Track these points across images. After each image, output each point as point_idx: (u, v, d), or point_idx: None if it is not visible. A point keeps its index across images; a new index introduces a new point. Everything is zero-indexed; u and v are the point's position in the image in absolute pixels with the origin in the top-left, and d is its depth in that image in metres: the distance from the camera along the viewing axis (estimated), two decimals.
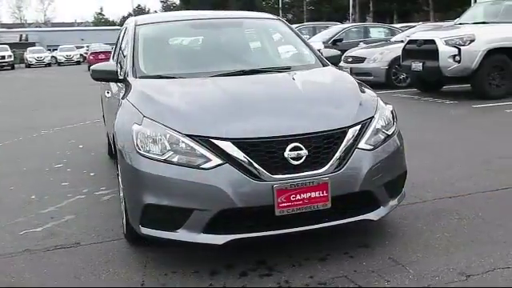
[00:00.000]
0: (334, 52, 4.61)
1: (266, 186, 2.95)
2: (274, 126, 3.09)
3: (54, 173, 5.76)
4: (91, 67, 4.20)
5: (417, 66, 10.09)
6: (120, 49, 5.05)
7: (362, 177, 3.14)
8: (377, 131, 3.29)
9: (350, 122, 3.20)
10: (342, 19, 48.48)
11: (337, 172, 3.06)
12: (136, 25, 4.51)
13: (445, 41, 9.63)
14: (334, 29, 17.41)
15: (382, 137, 3.31)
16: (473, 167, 5.11)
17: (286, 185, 2.96)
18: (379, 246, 3.37)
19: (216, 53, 4.43)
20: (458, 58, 9.40)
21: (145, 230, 3.16)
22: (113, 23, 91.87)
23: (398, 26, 20.75)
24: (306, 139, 3.05)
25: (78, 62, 43.19)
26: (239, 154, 2.95)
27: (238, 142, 2.98)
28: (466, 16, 11.28)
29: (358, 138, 3.18)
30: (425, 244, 3.38)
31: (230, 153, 2.96)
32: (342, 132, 3.14)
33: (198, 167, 2.97)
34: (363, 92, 3.63)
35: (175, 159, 3.01)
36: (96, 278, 3.14)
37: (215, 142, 2.98)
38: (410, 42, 10.49)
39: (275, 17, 4.97)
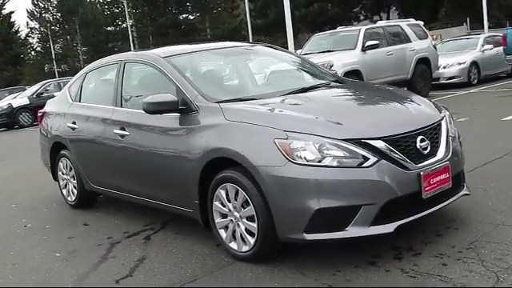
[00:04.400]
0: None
1: (414, 174, 3.40)
2: (403, 123, 3.57)
3: (36, 232, 5.11)
4: (144, 100, 4.07)
5: None
6: (121, 85, 4.83)
7: (460, 159, 3.82)
8: None
9: (440, 116, 3.85)
10: None
11: (448, 156, 3.66)
12: (163, 57, 4.47)
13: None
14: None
15: (452, 127, 4.02)
16: None
17: (428, 171, 3.46)
18: (469, 219, 4.02)
19: (264, 76, 4.67)
20: None
21: (310, 236, 3.31)
22: None
23: None
24: (425, 132, 3.60)
25: None
26: (390, 150, 3.36)
27: (387, 140, 3.38)
28: (307, 48, 12.86)
29: (447, 128, 3.84)
30: (504, 206, 4.15)
31: (383, 150, 3.34)
32: (439, 124, 3.77)
33: (359, 166, 3.28)
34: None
35: (335, 163, 3.28)
36: None
37: (369, 142, 3.34)
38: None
39: (267, 44, 5.36)
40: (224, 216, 3.79)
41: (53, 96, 20.81)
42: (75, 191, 5.69)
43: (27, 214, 5.84)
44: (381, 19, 40.15)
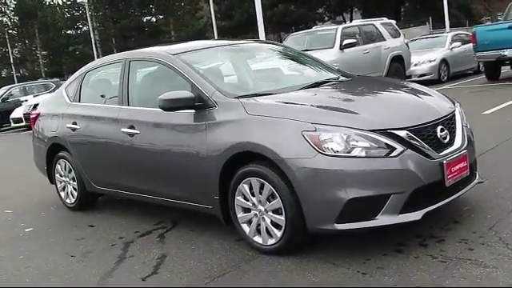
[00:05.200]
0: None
1: (437, 162, 3.50)
2: (423, 114, 3.67)
3: (40, 235, 4.99)
4: (160, 97, 4.03)
5: None
6: (127, 83, 4.77)
7: (474, 148, 3.94)
8: None
9: (453, 107, 3.97)
10: None
11: (465, 145, 3.78)
12: (173, 54, 4.47)
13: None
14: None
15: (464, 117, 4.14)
16: None
17: (450, 160, 3.56)
18: (481, 206, 4.15)
19: (273, 72, 4.70)
20: None
21: (341, 226, 3.36)
22: None
23: None
24: (443, 122, 3.71)
25: None
26: (414, 140, 3.45)
27: (411, 130, 3.47)
28: None
29: (461, 117, 3.96)
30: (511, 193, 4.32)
31: (408, 140, 3.43)
32: (454, 114, 3.89)
33: (387, 156, 3.36)
34: None
35: (363, 153, 3.34)
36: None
37: (395, 132, 3.42)
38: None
39: (269, 41, 5.41)
40: (247, 210, 3.81)
41: (18, 101, 20.53)
42: (75, 193, 5.59)
43: (25, 219, 5.69)
44: (344, 20, 40.83)
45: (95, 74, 5.49)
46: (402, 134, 3.42)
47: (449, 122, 3.77)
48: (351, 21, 36.41)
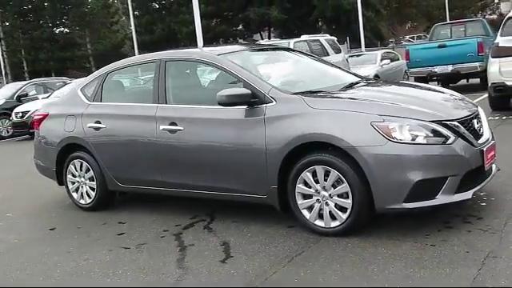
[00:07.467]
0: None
1: (479, 150, 4.07)
2: (462, 109, 4.24)
3: (71, 233, 4.96)
4: (220, 94, 4.29)
5: None
6: (164, 82, 4.92)
7: (495, 140, 4.56)
8: None
9: (476, 105, 4.58)
10: None
11: (491, 137, 4.39)
12: (218, 55, 4.73)
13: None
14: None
15: None
16: None
17: (487, 148, 4.15)
18: (495, 192, 4.76)
19: (311, 73, 5.07)
20: None
21: (408, 205, 3.82)
22: None
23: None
24: (476, 116, 4.30)
25: None
26: (463, 130, 3.99)
27: (459, 121, 4.01)
28: None
29: (483, 114, 4.58)
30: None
31: (458, 130, 3.96)
32: (478, 111, 4.50)
33: (444, 143, 3.87)
34: None
35: (425, 141, 3.83)
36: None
37: (448, 123, 3.94)
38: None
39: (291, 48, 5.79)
40: (307, 197, 4.14)
41: None
42: (92, 193, 5.58)
43: (38, 220, 5.60)
44: (261, 37, 42.00)
45: (119, 75, 5.57)
46: (453, 124, 3.95)
47: (478, 116, 4.36)
48: (269, 39, 37.75)
